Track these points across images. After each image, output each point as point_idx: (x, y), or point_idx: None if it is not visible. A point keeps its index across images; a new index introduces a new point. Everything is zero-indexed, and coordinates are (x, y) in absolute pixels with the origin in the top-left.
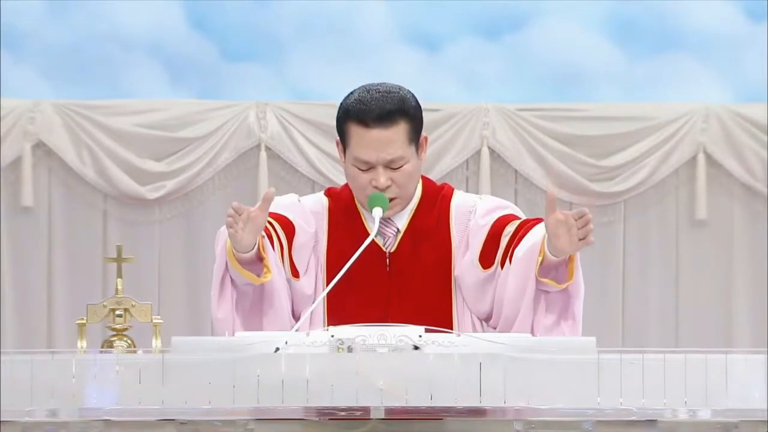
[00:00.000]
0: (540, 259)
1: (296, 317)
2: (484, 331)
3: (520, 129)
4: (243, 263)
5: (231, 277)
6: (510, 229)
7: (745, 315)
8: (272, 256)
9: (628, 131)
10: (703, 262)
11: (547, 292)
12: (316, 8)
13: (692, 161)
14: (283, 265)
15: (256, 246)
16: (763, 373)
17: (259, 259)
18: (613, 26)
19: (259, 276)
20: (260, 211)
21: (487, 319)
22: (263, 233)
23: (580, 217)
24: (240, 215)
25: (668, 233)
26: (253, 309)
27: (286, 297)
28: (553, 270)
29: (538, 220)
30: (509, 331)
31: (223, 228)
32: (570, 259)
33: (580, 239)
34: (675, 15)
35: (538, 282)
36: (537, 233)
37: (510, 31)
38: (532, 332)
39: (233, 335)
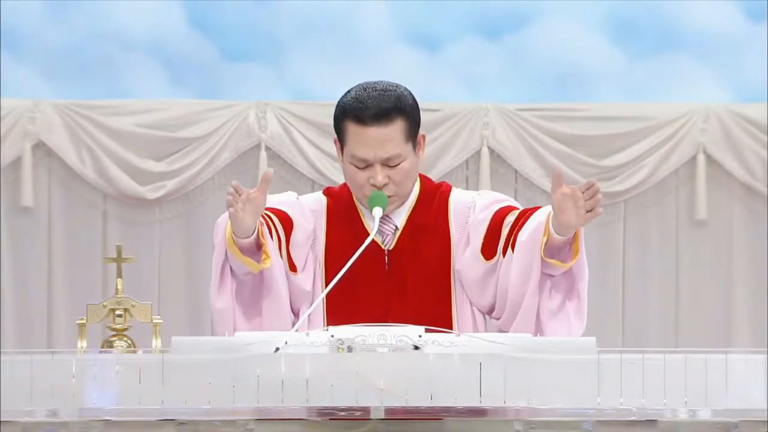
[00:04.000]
0: (545, 239)
1: (294, 313)
2: (484, 325)
3: (520, 129)
4: (242, 251)
5: (231, 268)
6: (510, 218)
7: (745, 315)
8: (271, 244)
9: (628, 131)
10: (703, 262)
11: (551, 275)
12: (316, 8)
13: (692, 161)
14: (281, 258)
15: (255, 232)
16: (763, 373)
17: (258, 247)
18: (613, 26)
19: (258, 263)
20: (259, 193)
21: (489, 311)
22: (261, 220)
23: (588, 188)
24: (239, 195)
25: (668, 233)
26: (253, 298)
27: (284, 286)
28: (557, 252)
29: (538, 208)
30: (515, 318)
31: (221, 218)
32: (575, 239)
33: (587, 211)
34: (675, 15)
35: (543, 263)
36: (540, 215)
37: (510, 31)
38: (538, 316)
39: (233, 326)
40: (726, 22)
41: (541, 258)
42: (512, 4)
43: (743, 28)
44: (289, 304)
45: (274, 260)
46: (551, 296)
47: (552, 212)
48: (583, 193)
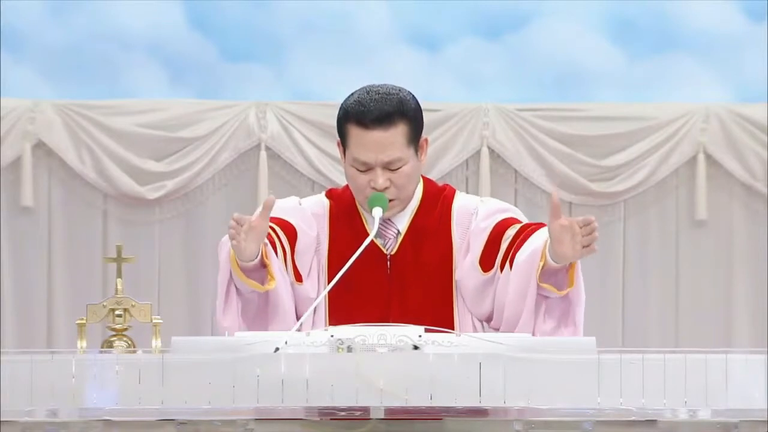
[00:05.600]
0: (541, 264)
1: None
2: (485, 331)
3: (520, 129)
4: (247, 271)
5: (236, 286)
6: (511, 232)
7: (745, 315)
8: (276, 263)
9: (628, 131)
10: (703, 262)
11: (547, 297)
12: (316, 8)
13: (692, 161)
14: (287, 270)
15: (260, 254)
16: (763, 373)
17: (263, 265)
18: (613, 26)
19: (263, 284)
20: (261, 220)
21: (488, 320)
22: (266, 240)
23: (586, 225)
24: (241, 226)
25: (668, 233)
26: (259, 316)
27: (290, 303)
28: (554, 276)
29: (540, 225)
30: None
31: (226, 237)
32: (571, 266)
33: (583, 246)
34: (675, 15)
35: (538, 287)
36: (539, 238)
37: (510, 31)
38: (533, 335)
39: None
40: (726, 22)
41: (537, 283)
42: (512, 4)
43: (743, 28)
44: (295, 322)
45: (278, 281)
46: (546, 320)
47: (549, 240)
48: (581, 228)
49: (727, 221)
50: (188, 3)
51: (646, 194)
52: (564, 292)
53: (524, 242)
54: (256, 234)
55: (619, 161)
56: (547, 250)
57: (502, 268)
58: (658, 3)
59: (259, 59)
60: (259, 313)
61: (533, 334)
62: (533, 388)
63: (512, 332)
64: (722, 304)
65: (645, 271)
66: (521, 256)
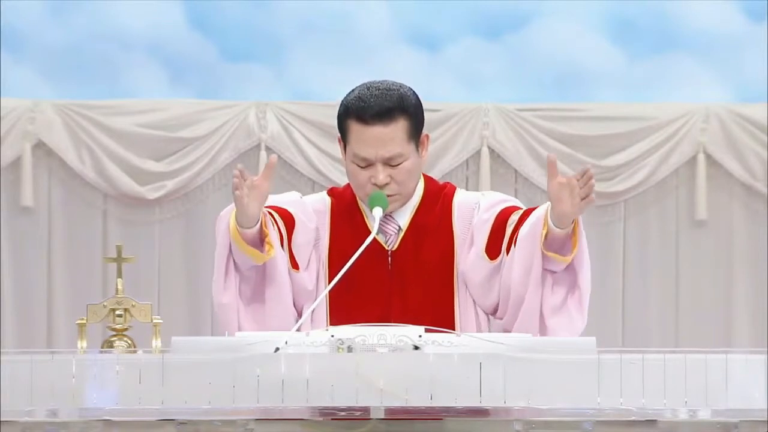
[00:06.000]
0: (544, 231)
1: (297, 311)
2: (488, 326)
3: (520, 129)
4: (246, 242)
5: (234, 262)
6: (514, 218)
7: (745, 315)
8: (274, 234)
9: (628, 131)
10: (703, 262)
11: (553, 272)
12: (316, 8)
13: (692, 161)
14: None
15: (259, 223)
16: (763, 373)
17: (261, 240)
18: (613, 26)
19: (262, 253)
20: (263, 179)
21: (494, 311)
22: (266, 213)
23: (583, 175)
24: (245, 180)
25: (668, 233)
26: (257, 290)
27: (287, 277)
28: (559, 247)
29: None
30: (517, 314)
31: (223, 212)
32: (574, 232)
33: (582, 199)
34: (675, 15)
35: (543, 258)
36: (540, 210)
37: (510, 31)
38: (541, 312)
39: (236, 319)
40: (726, 22)
41: (542, 252)
42: (512, 4)
43: (743, 28)
44: (291, 294)
45: (277, 250)
46: (554, 291)
47: (550, 204)
48: (578, 180)
49: (727, 221)
50: (188, 3)
51: (646, 194)
52: (569, 258)
53: (526, 221)
54: (258, 193)
55: (619, 161)
56: (549, 217)
57: (508, 251)
58: (658, 3)
59: (259, 59)
60: (256, 289)
61: (541, 309)
62: (533, 388)
63: (519, 311)
64: (722, 304)
65: (645, 271)
66: (523, 231)
